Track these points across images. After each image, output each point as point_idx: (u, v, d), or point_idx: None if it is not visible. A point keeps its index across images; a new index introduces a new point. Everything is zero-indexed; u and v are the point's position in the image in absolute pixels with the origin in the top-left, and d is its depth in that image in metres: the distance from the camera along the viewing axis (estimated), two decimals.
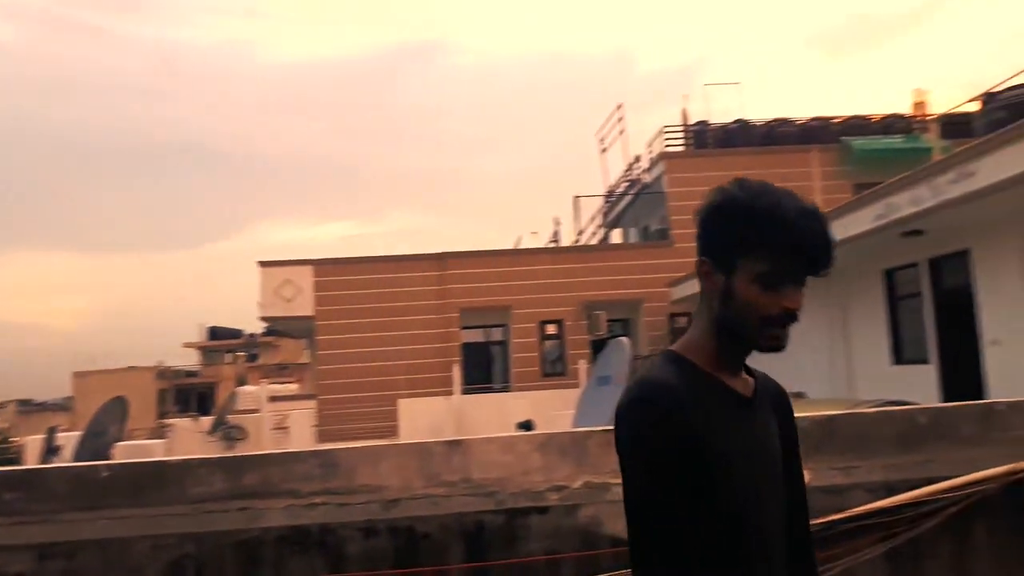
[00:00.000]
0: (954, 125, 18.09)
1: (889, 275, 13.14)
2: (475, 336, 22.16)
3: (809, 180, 17.26)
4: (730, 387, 1.39)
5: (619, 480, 3.25)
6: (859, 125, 23.24)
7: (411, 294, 20.92)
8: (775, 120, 23.69)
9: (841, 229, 11.78)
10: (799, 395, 14.15)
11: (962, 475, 3.24)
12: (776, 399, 1.51)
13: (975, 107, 11.97)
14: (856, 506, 3.20)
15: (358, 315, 20.65)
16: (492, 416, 15.21)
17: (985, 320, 10.44)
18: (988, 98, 11.38)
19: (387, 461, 3.29)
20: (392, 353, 19.97)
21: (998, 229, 9.87)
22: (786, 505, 1.43)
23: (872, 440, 3.46)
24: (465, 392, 18.88)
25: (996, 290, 10.20)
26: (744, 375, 1.44)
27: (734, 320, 1.36)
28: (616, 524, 3.08)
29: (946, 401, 9.99)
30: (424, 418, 16.52)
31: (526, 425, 9.32)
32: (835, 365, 14.61)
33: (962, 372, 11.18)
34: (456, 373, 18.07)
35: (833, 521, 3.11)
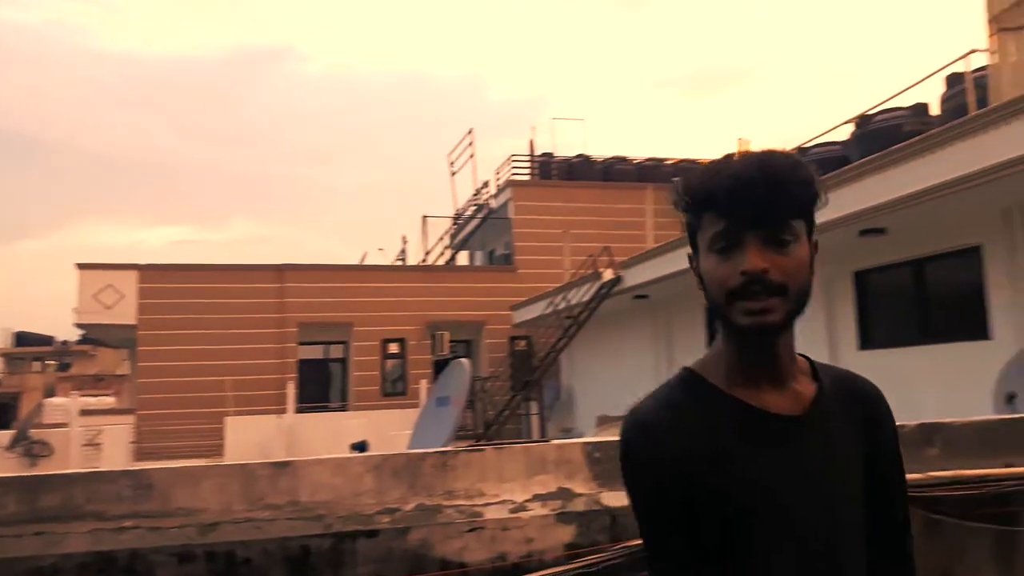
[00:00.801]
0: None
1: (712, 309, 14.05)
2: (314, 352, 21.52)
3: (643, 216, 18.19)
4: (751, 406, 1.14)
5: (451, 502, 3.22)
6: (690, 168, 24.68)
7: (246, 306, 20.03)
8: (614, 158, 24.95)
9: (670, 264, 12.52)
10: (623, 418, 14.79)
11: None
12: (859, 406, 1.22)
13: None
14: None
15: (186, 326, 19.49)
16: (327, 436, 14.77)
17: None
18: (800, 151, 12.53)
19: (207, 482, 3.11)
20: (222, 368, 18.97)
21: None
22: (866, 530, 1.18)
23: None
24: (300, 411, 18.23)
25: (798, 326, 11.10)
26: (795, 384, 1.17)
27: (709, 304, 1.15)
28: (446, 546, 3.06)
29: None
30: (253, 437, 15.79)
31: (360, 446, 9.14)
32: None
33: None
34: (291, 390, 17.43)
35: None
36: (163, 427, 18.37)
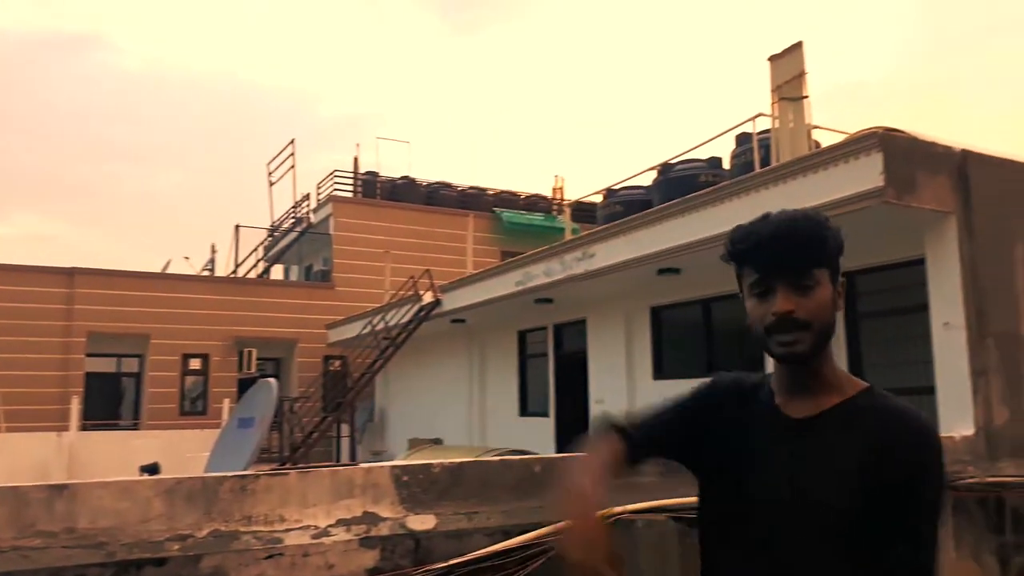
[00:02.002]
0: (583, 211, 20.90)
1: (522, 336, 14.54)
2: (104, 365, 19.79)
3: (464, 243, 18.52)
4: (777, 408, 1.44)
5: (249, 528, 3.13)
6: (509, 199, 25.80)
7: (27, 311, 18.13)
8: (438, 183, 25.25)
9: (487, 291, 12.83)
10: (437, 441, 14.93)
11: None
12: (879, 441, 1.32)
13: (599, 199, 13.97)
14: (476, 550, 3.44)
15: None
16: (114, 457, 13.63)
17: (593, 381, 12.03)
18: (609, 193, 13.36)
19: None
20: None
21: (607, 303, 11.52)
22: (849, 542, 1.30)
23: (493, 487, 3.76)
24: (85, 428, 16.67)
25: (602, 356, 11.83)
26: (823, 397, 1.40)
27: (754, 336, 1.43)
28: (241, 574, 2.96)
29: (560, 452, 11.24)
30: (27, 457, 14.22)
31: (151, 468, 8.54)
32: (472, 414, 15.65)
33: (574, 426, 12.71)
34: (75, 406, 15.92)
35: (453, 565, 3.32)
36: None
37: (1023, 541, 5.63)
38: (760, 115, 9.45)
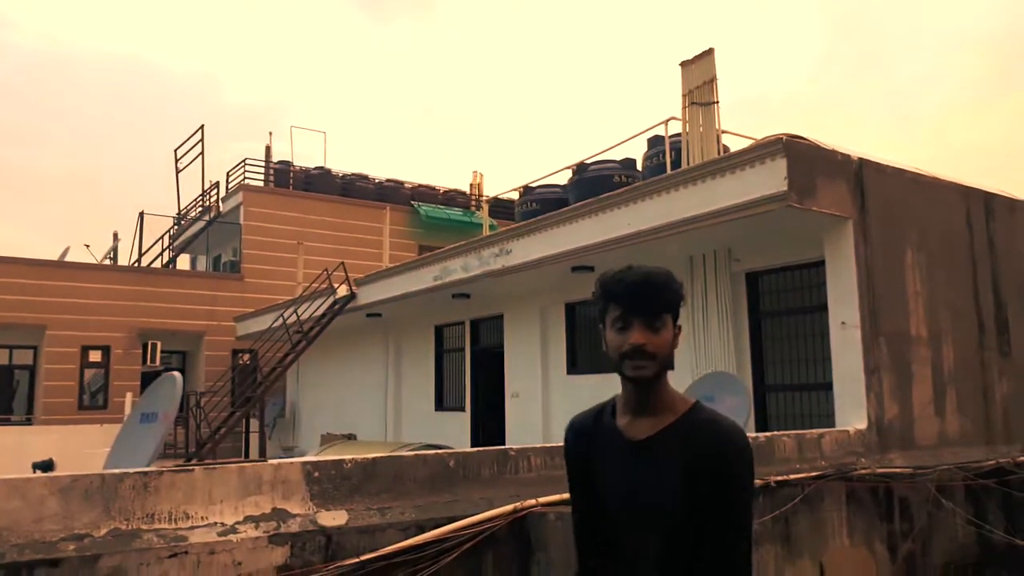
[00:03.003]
0: (501, 207, 20.97)
1: (439, 330, 14.51)
2: None
3: (381, 235, 18.33)
4: (618, 429, 1.80)
5: (151, 526, 3.03)
6: (427, 193, 25.66)
7: None
8: (355, 174, 24.87)
9: (404, 285, 12.73)
10: (350, 437, 14.74)
11: (480, 513, 3.69)
12: (690, 446, 1.70)
13: (516, 196, 14.07)
14: (388, 545, 3.43)
15: None
16: (6, 453, 12.90)
17: (509, 375, 12.12)
18: (526, 190, 13.46)
19: None
20: None
21: (523, 299, 11.62)
22: (676, 549, 1.68)
23: (407, 481, 3.76)
24: None
25: (518, 351, 11.93)
26: (659, 418, 1.76)
27: (610, 359, 1.78)
28: (142, 574, 2.87)
29: (475, 446, 11.28)
30: None
31: (45, 465, 8.13)
32: (387, 408, 15.53)
33: (490, 420, 12.77)
34: None
35: (364, 561, 3.30)
36: None
37: (911, 529, 6.00)
38: (672, 119, 9.69)
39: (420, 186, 25.91)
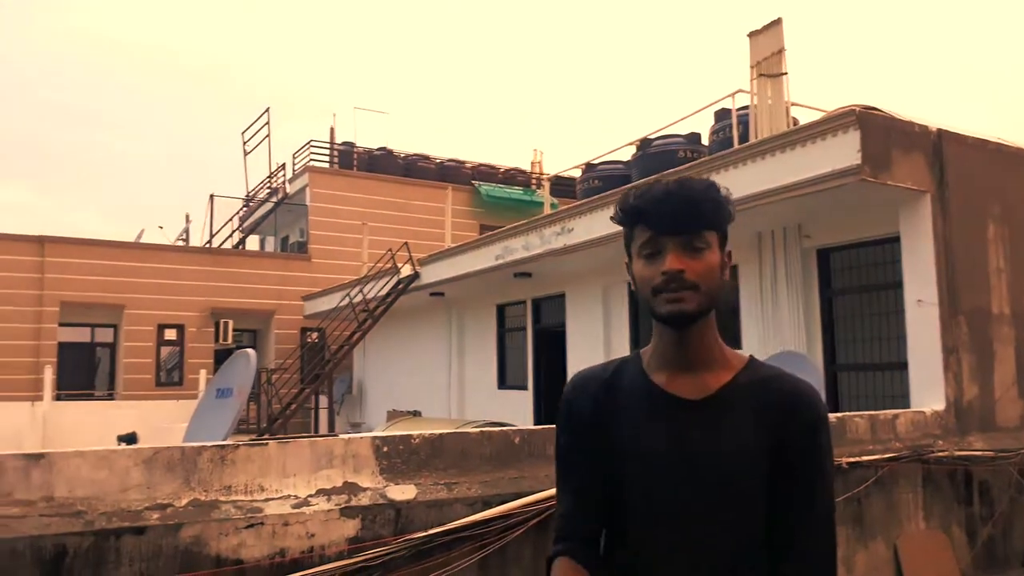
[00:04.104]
0: (562, 185, 20.83)
1: (501, 309, 14.57)
2: (77, 335, 19.58)
3: (442, 215, 18.44)
4: (657, 386, 1.40)
5: (229, 498, 3.14)
6: (488, 172, 25.69)
7: None
8: (416, 154, 25.04)
9: (466, 264, 12.81)
10: (416, 413, 14.98)
11: (545, 490, 3.70)
12: (771, 404, 1.38)
13: (578, 173, 13.95)
14: (455, 519, 3.48)
15: None
16: (90, 427, 13.55)
17: (571, 354, 12.10)
18: (588, 167, 13.34)
19: None
20: None
21: (585, 278, 11.56)
22: (752, 519, 1.35)
23: (473, 458, 3.80)
24: (59, 399, 16.53)
25: (580, 330, 11.90)
26: (707, 373, 1.39)
27: (640, 300, 1.41)
28: (221, 543, 2.98)
29: (538, 424, 11.34)
30: (1, 427, 14.10)
31: (129, 438, 8.50)
32: (450, 386, 15.71)
33: (552, 398, 12.79)
34: (48, 376, 15.75)
35: (432, 535, 3.35)
36: None
37: (991, 513, 5.79)
38: (739, 91, 9.46)
39: (481, 165, 25.96)
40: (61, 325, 18.71)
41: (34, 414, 14.99)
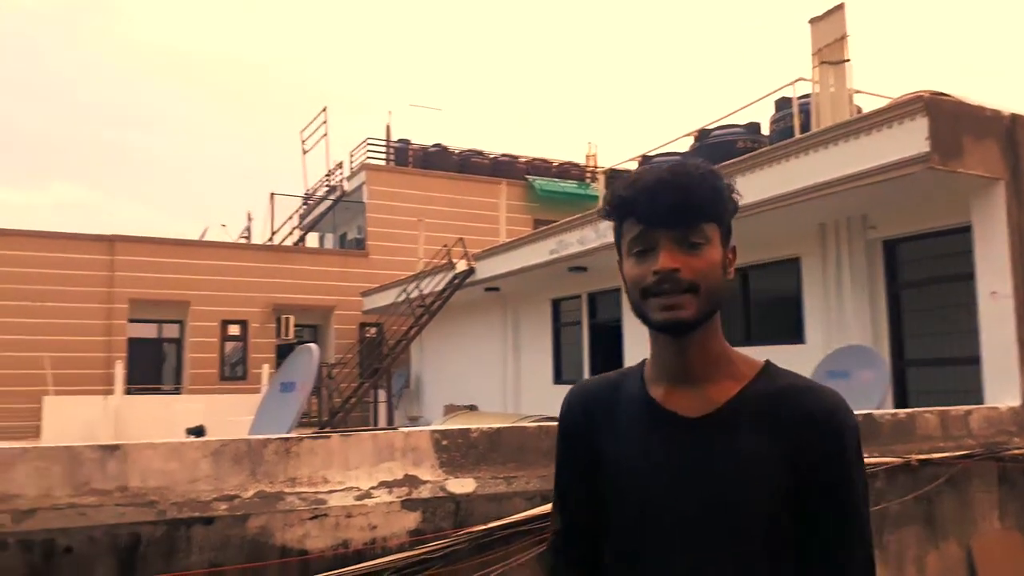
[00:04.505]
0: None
1: (556, 304, 14.54)
2: (146, 331, 20.26)
3: (496, 211, 18.50)
4: (654, 401, 1.23)
5: (293, 489, 3.19)
6: (542, 166, 25.63)
7: (70, 278, 18.55)
8: (470, 150, 25.14)
9: (521, 259, 12.81)
10: (472, 407, 15.07)
11: None
12: (794, 427, 1.15)
13: (634, 166, 13.80)
14: (514, 513, 3.48)
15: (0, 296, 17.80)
16: (159, 420, 13.99)
17: (627, 349, 12.00)
18: (644, 160, 13.19)
19: (23, 466, 2.91)
20: (41, 343, 17.48)
21: None
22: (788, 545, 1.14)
23: (530, 452, 3.79)
24: (129, 392, 17.12)
25: (637, 324, 11.68)
26: (711, 386, 1.21)
27: (631, 303, 1.24)
28: (286, 535, 3.04)
29: None
30: (76, 420, 14.68)
31: (197, 431, 8.74)
32: (506, 381, 15.75)
33: None
34: (119, 370, 16.34)
35: (492, 528, 3.36)
36: None
37: None
38: (800, 79, 9.23)
39: (535, 160, 25.92)
40: (130, 321, 19.37)
41: (106, 407, 15.55)
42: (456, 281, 15.11)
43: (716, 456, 1.16)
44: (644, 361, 1.33)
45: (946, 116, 5.96)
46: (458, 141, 26.70)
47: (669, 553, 1.17)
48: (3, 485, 2.81)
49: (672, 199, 1.17)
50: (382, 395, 18.15)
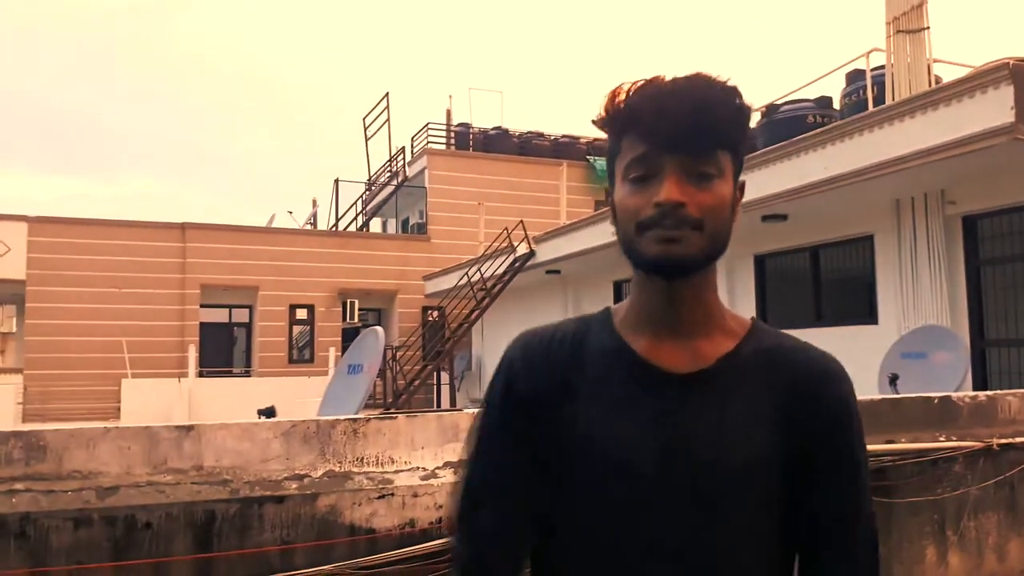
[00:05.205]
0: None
1: (618, 286, 14.42)
2: (217, 316, 20.90)
3: (557, 193, 18.39)
4: (632, 353, 1.04)
5: (361, 469, 3.23)
6: (603, 146, 25.11)
7: (145, 265, 19.23)
8: (531, 132, 25.02)
9: (581, 241, 12.73)
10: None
11: None
12: (788, 382, 1.04)
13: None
14: None
15: (80, 283, 18.58)
16: (230, 402, 14.43)
17: None
18: None
19: (105, 445, 3.02)
20: (119, 328, 18.20)
21: None
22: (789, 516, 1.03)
23: None
24: (201, 375, 17.72)
25: None
26: (702, 340, 1.04)
27: (619, 239, 1.03)
28: (354, 513, 3.08)
29: None
30: (152, 401, 15.27)
31: (268, 412, 8.97)
32: None
33: None
34: (192, 354, 16.91)
35: None
36: (53, 388, 17.53)
37: None
38: (874, 50, 8.88)
39: (596, 140, 25.64)
40: (202, 307, 19.99)
41: (180, 389, 16.12)
42: (517, 264, 15.10)
43: (712, 417, 1.00)
44: (607, 309, 1.12)
45: None
46: (519, 123, 26.62)
47: (652, 549, 0.99)
48: (88, 463, 2.92)
49: (686, 117, 0.96)
50: (445, 377, 18.33)
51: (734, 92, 0.99)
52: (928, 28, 7.98)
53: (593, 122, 1.07)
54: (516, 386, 1.08)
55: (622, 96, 1.01)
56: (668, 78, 1.00)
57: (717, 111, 0.97)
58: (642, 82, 1.01)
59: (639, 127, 0.99)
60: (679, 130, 0.96)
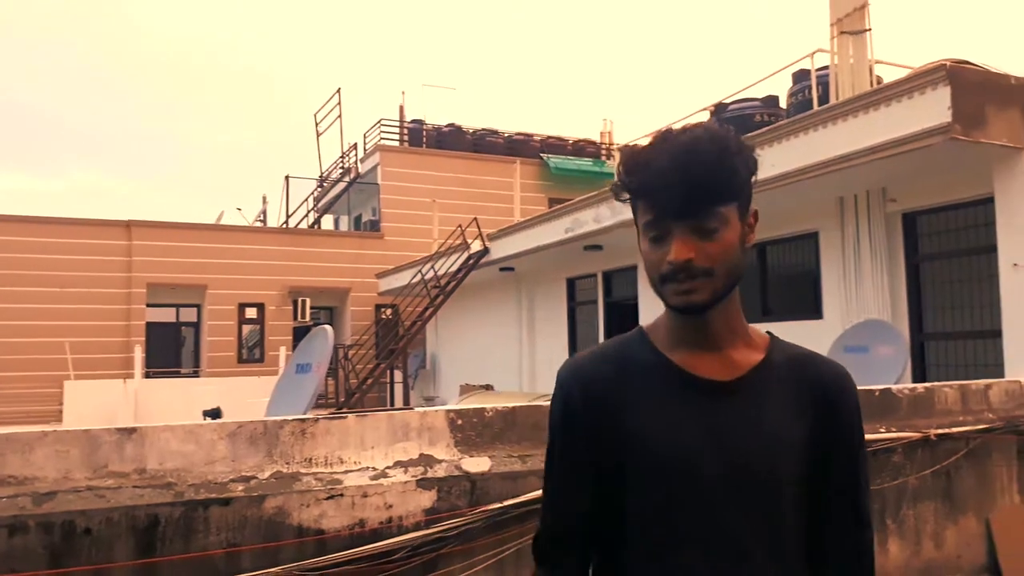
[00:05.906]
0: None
1: (571, 283, 14.50)
2: (164, 315, 20.44)
3: (511, 190, 18.41)
4: (676, 366, 1.20)
5: (309, 470, 3.20)
6: (557, 144, 25.47)
7: (89, 263, 18.70)
8: (484, 129, 25.00)
9: (535, 238, 12.76)
10: (488, 387, 15.11)
11: None
12: (811, 387, 1.21)
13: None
14: (529, 492, 3.48)
15: (21, 282, 18.01)
16: (177, 403, 14.14)
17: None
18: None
19: (42, 449, 2.93)
20: (61, 328, 17.67)
21: None
22: (809, 511, 1.20)
23: (546, 430, 3.77)
24: (148, 376, 17.31)
25: (653, 303, 11.62)
26: (732, 352, 1.20)
27: (650, 282, 1.22)
28: (302, 515, 3.04)
29: None
30: (96, 403, 14.85)
31: (214, 413, 8.82)
32: (522, 360, 15.76)
33: None
34: (138, 355, 16.50)
35: (507, 506, 3.36)
36: None
37: None
38: (819, 51, 9.09)
39: (549, 138, 25.77)
40: (148, 306, 19.53)
41: (126, 391, 15.72)
42: (471, 261, 15.09)
43: (754, 420, 1.17)
44: (640, 328, 1.29)
45: (969, 85, 5.84)
46: (472, 120, 26.57)
47: (710, 543, 1.15)
48: (23, 468, 2.83)
49: (685, 189, 1.11)
50: (398, 376, 18.22)
51: (727, 151, 1.13)
52: (870, 30, 8.20)
53: (610, 188, 1.26)
54: (572, 407, 1.23)
55: (631, 167, 1.18)
56: (668, 144, 1.15)
57: (718, 176, 1.12)
58: (645, 152, 1.17)
59: (648, 198, 1.16)
60: (682, 203, 1.12)
